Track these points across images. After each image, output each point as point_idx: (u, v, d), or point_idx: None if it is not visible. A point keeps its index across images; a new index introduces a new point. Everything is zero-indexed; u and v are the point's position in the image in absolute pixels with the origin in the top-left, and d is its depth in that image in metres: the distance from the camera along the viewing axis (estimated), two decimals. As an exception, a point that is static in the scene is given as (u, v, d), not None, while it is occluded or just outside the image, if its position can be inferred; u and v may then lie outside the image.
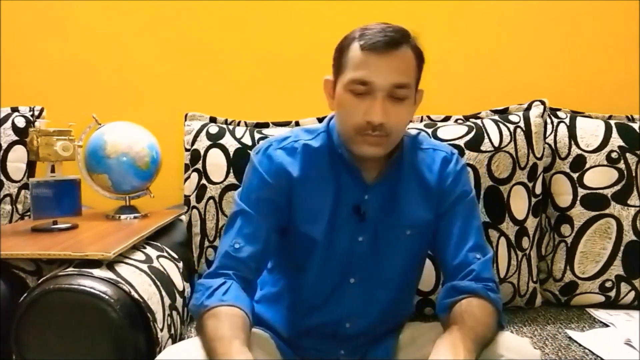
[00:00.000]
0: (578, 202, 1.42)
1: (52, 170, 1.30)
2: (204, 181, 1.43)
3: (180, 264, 1.32)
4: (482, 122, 1.43)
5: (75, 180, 1.31)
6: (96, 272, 0.99)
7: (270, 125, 1.51)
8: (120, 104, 1.72)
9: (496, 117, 1.46)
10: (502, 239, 1.38)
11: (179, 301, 1.21)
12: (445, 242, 1.00)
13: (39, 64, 1.75)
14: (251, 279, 0.96)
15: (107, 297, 0.94)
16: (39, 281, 0.98)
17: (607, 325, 1.32)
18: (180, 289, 1.24)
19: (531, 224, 1.40)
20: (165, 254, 1.28)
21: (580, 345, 1.21)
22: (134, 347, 0.97)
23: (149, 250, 1.23)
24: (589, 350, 1.18)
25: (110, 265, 1.04)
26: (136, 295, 1.00)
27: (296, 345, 1.04)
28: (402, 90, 0.92)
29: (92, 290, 0.94)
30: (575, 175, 1.43)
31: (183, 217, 1.51)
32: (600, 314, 1.38)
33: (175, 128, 1.55)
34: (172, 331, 1.13)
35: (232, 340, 0.78)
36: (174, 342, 1.14)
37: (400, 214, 1.00)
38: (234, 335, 0.80)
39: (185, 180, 1.47)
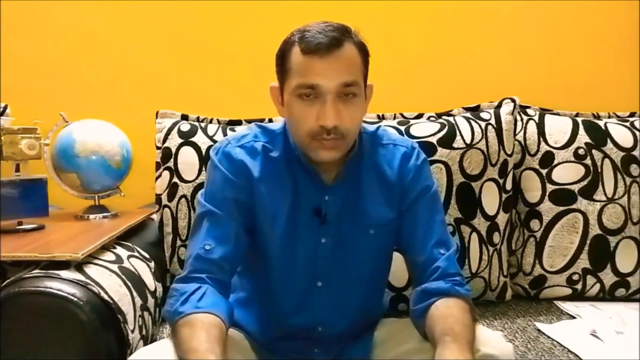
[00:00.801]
0: (547, 197, 1.45)
1: (17, 170, 1.26)
2: (175, 179, 1.41)
3: (152, 264, 1.30)
4: (455, 120, 1.45)
5: (41, 179, 1.28)
6: (64, 273, 0.97)
7: (243, 122, 1.50)
8: (89, 101, 1.68)
9: (468, 114, 1.48)
10: (474, 235, 1.40)
11: (151, 301, 1.19)
12: (409, 239, 1.00)
13: (2, 59, 1.70)
14: (226, 281, 0.94)
15: (75, 299, 0.92)
16: (4, 284, 0.96)
17: (573, 317, 1.35)
18: (152, 289, 1.23)
19: (502, 219, 1.43)
20: (136, 253, 1.26)
21: (548, 337, 1.24)
22: (104, 350, 0.95)
23: (120, 250, 1.21)
24: (557, 342, 1.21)
25: (79, 266, 1.02)
26: (106, 297, 0.98)
27: (271, 347, 1.04)
28: (351, 88, 0.90)
29: (60, 293, 0.92)
30: (544, 172, 1.46)
31: (154, 216, 1.48)
32: (568, 306, 1.42)
33: (147, 126, 1.53)
34: (144, 332, 1.11)
35: (207, 354, 0.76)
36: (145, 343, 1.12)
37: (362, 213, 0.99)
38: (209, 348, 0.78)
39: (157, 178, 1.45)
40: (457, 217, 1.40)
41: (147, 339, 1.14)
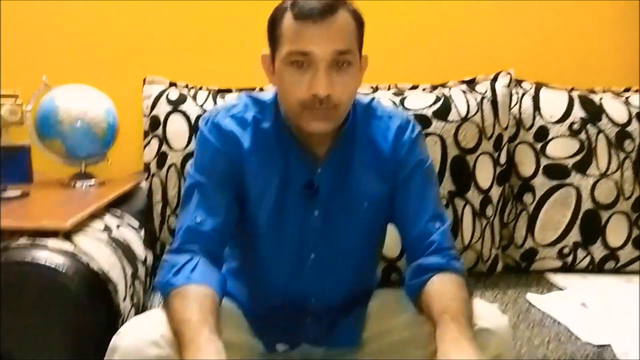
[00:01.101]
0: (540, 171, 1.45)
1: (-1, 136, 1.22)
2: (164, 148, 1.38)
3: (142, 232, 1.27)
4: (450, 92, 1.43)
5: (24, 146, 1.23)
6: (52, 243, 0.94)
7: (234, 91, 1.46)
8: (72, 65, 1.61)
9: (463, 87, 1.46)
10: (467, 208, 1.39)
11: (141, 270, 1.17)
12: (403, 213, 0.99)
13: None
14: (217, 253, 0.93)
15: (64, 270, 0.90)
16: (-11, 253, 0.92)
17: (563, 289, 1.37)
18: (142, 258, 1.20)
19: (495, 193, 1.42)
20: (125, 222, 1.23)
21: (539, 309, 1.25)
22: (95, 321, 0.93)
23: (109, 218, 1.18)
24: (548, 314, 1.22)
25: (66, 235, 0.99)
26: (96, 267, 0.95)
27: (263, 317, 1.02)
28: (346, 56, 0.87)
29: (48, 264, 0.89)
30: (538, 146, 1.45)
31: (143, 184, 1.45)
32: (558, 279, 1.43)
33: (133, 92, 1.48)
34: (135, 301, 1.09)
35: (200, 325, 0.75)
36: (137, 312, 1.10)
37: (354, 187, 0.98)
38: (202, 319, 0.76)
39: (145, 146, 1.41)
40: (451, 190, 1.39)
41: (139, 308, 1.13)
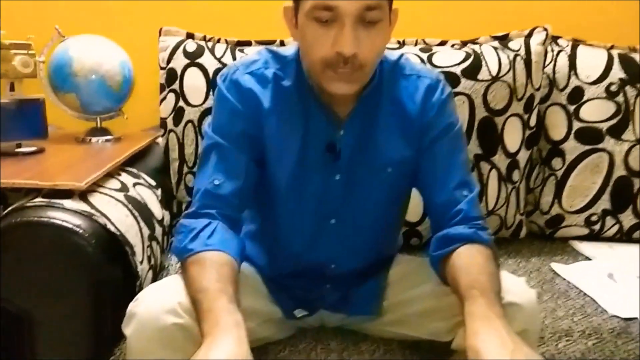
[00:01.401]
0: (572, 135, 1.38)
1: (12, 89, 1.18)
2: (181, 103, 1.33)
3: (159, 191, 1.25)
4: (481, 49, 1.35)
5: (38, 99, 1.20)
6: (68, 203, 0.92)
7: (253, 43, 1.39)
8: (86, 14, 1.55)
9: (495, 43, 1.37)
10: (493, 172, 1.34)
11: (158, 230, 1.15)
12: (429, 179, 0.94)
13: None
14: (236, 217, 0.90)
15: (81, 231, 0.88)
16: (4, 212, 0.90)
17: (590, 259, 1.33)
18: (159, 217, 1.18)
19: (523, 156, 1.36)
20: (142, 181, 1.20)
21: (564, 279, 1.22)
22: (112, 283, 0.92)
23: (125, 177, 1.15)
24: (573, 285, 1.19)
25: (82, 195, 0.97)
26: (113, 228, 0.93)
27: (281, 281, 1.01)
28: (374, 12, 0.80)
29: (64, 224, 0.87)
30: (571, 108, 1.38)
31: (159, 140, 1.41)
32: (584, 247, 1.39)
33: (149, 44, 1.42)
34: (152, 262, 1.08)
35: (218, 295, 0.73)
36: (154, 273, 1.09)
37: (378, 150, 0.93)
38: (220, 288, 0.74)
39: (161, 101, 1.37)
40: (477, 154, 1.33)
41: (156, 269, 1.11)
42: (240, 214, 0.92)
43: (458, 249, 0.87)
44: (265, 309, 0.97)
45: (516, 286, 0.87)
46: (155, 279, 1.08)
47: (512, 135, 1.34)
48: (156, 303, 0.78)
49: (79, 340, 0.91)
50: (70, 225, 0.87)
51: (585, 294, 1.15)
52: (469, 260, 0.85)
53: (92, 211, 0.93)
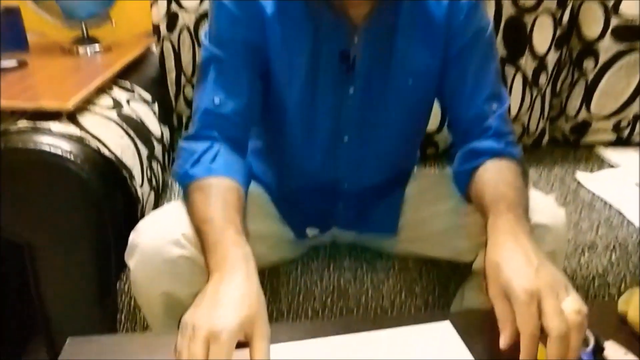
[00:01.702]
0: (608, 33, 1.25)
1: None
2: (174, 7, 1.20)
3: (155, 106, 1.16)
4: None
5: (13, 8, 1.07)
6: (55, 126, 0.84)
7: None
8: None
9: None
10: (518, 76, 1.24)
11: (158, 149, 1.08)
12: (455, 91, 0.85)
13: None
14: (240, 138, 0.81)
15: (72, 157, 0.80)
16: (-13, 137, 0.83)
17: (616, 167, 1.26)
18: (158, 135, 1.11)
19: (552, 58, 1.25)
20: (136, 95, 1.11)
21: (589, 190, 1.15)
22: (111, 210, 0.86)
23: (117, 92, 1.06)
24: (598, 196, 1.13)
25: (71, 116, 0.88)
26: (107, 152, 0.86)
27: (291, 200, 0.95)
28: None
29: (52, 151, 0.80)
30: (610, 3, 1.23)
31: (154, 48, 1.30)
32: (610, 154, 1.31)
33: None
34: (154, 183, 1.02)
35: (225, 226, 0.67)
36: (156, 194, 1.04)
37: (398, 60, 0.82)
38: (227, 218, 0.68)
39: (152, 5, 1.23)
40: (502, 57, 1.22)
41: (158, 190, 1.06)
42: (246, 135, 0.84)
43: (485, 163, 0.79)
44: (275, 231, 0.92)
45: (546, 206, 0.81)
46: (157, 200, 1.03)
47: (542, 34, 1.21)
48: (158, 234, 0.73)
49: (82, 270, 0.87)
50: (59, 152, 0.80)
51: (611, 205, 1.09)
52: (496, 174, 0.78)
53: (83, 134, 0.85)
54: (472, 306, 0.87)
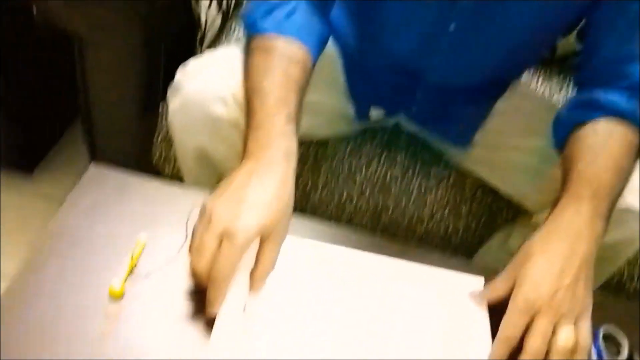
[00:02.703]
0: None
1: None
2: None
3: None
4: None
5: None
6: None
7: None
8: None
9: None
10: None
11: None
12: (600, 32, 0.67)
13: None
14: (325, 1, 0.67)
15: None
16: None
17: None
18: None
19: None
20: None
21: None
22: (168, 31, 0.77)
23: None
24: None
25: None
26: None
27: (365, 76, 0.82)
28: None
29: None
30: None
31: None
32: None
33: None
34: (224, 6, 0.90)
35: (277, 109, 0.58)
36: (223, 20, 0.92)
37: None
38: (282, 98, 0.58)
39: None
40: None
41: (227, 16, 0.93)
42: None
43: (598, 122, 0.65)
44: (335, 105, 0.82)
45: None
46: (222, 27, 0.91)
47: None
48: (207, 86, 0.65)
49: (128, 73, 0.82)
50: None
51: None
52: (602, 143, 0.64)
53: None
54: (507, 254, 0.81)
